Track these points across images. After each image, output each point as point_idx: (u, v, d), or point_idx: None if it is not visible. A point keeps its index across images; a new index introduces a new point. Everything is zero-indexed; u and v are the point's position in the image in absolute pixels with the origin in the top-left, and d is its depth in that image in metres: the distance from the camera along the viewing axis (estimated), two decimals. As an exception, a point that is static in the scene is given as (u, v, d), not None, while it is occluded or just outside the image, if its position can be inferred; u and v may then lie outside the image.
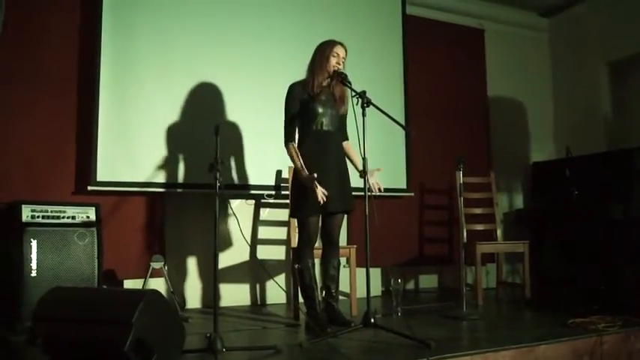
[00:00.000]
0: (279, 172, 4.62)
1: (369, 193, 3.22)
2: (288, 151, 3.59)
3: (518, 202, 6.26)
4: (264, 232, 4.76)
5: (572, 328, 3.34)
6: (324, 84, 3.62)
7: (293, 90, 3.62)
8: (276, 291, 4.63)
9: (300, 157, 3.51)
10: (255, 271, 4.67)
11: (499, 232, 5.08)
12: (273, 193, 4.65)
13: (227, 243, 4.57)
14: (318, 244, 3.70)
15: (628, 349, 3.26)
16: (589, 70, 6.17)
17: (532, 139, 6.39)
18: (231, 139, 4.48)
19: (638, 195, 4.64)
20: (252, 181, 4.57)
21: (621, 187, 4.74)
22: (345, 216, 3.80)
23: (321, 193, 3.35)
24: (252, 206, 4.74)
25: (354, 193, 3.68)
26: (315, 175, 3.35)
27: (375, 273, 5.03)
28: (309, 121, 3.58)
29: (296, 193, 3.60)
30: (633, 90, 6.05)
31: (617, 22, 5.85)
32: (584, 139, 5.87)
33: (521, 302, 4.52)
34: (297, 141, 3.60)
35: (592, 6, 6.12)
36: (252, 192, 4.61)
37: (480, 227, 5.09)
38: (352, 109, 3.31)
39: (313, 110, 3.56)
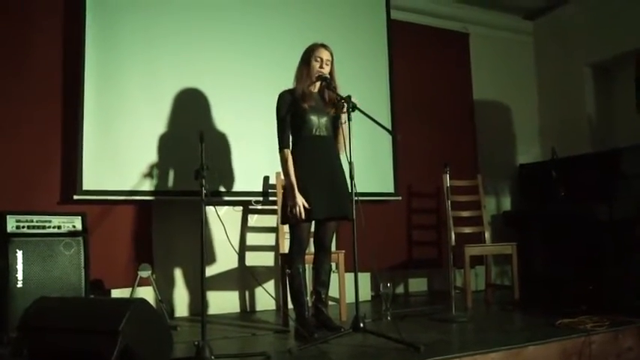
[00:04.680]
0: (266, 179, 4.62)
1: (356, 198, 3.22)
2: (281, 159, 3.57)
3: (506, 204, 6.28)
4: (252, 239, 4.74)
5: (561, 328, 3.36)
6: (313, 89, 3.63)
7: (282, 98, 3.62)
8: (265, 298, 4.61)
9: (292, 168, 3.51)
10: (244, 278, 4.65)
11: (487, 235, 5.09)
12: (260, 199, 4.64)
13: (215, 250, 4.55)
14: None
15: (616, 349, 3.27)
16: (573, 71, 6.22)
17: (518, 141, 6.43)
18: (218, 146, 4.47)
19: (624, 195, 4.67)
20: (239, 187, 4.56)
21: (607, 188, 4.78)
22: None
23: (300, 207, 3.42)
24: (240, 213, 4.73)
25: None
26: (301, 201, 3.43)
27: (365, 278, 5.02)
28: (300, 127, 3.58)
29: (286, 200, 3.59)
30: (617, 91, 6.11)
31: (600, 23, 5.91)
32: (570, 141, 5.92)
33: (510, 304, 4.53)
34: (290, 147, 3.60)
35: (575, 8, 6.17)
36: (240, 198, 4.60)
37: (468, 230, 5.10)
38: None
39: (303, 117, 3.55)
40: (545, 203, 5.38)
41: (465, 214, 5.13)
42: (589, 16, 6.03)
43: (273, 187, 4.47)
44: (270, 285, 4.72)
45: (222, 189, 4.48)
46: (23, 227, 3.49)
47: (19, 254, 3.41)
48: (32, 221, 3.53)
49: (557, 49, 6.41)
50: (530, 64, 6.71)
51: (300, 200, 3.42)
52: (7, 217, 3.45)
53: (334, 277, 3.98)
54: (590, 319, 3.47)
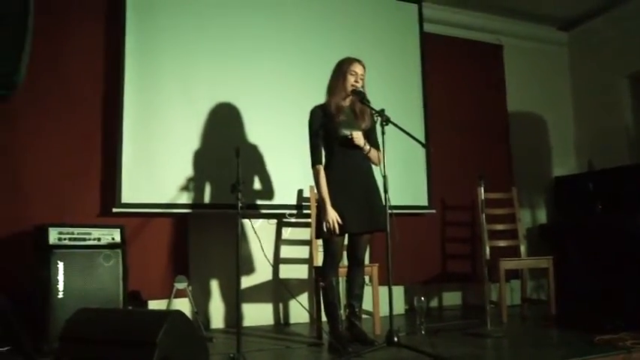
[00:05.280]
0: (300, 192, 4.66)
1: (390, 211, 3.22)
2: (314, 175, 3.59)
3: (542, 217, 6.21)
4: (286, 252, 4.77)
5: (599, 345, 3.29)
6: (344, 103, 3.63)
7: (313, 113, 3.63)
8: (299, 310, 4.63)
9: (324, 183, 3.52)
10: (278, 291, 4.68)
11: (522, 248, 5.03)
12: (294, 212, 4.68)
13: (250, 263, 4.59)
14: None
15: (657, 366, 3.20)
16: (609, 82, 6.13)
17: (553, 154, 6.35)
18: (253, 159, 4.53)
19: (664, 208, 4.58)
20: (274, 200, 4.61)
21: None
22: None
23: (333, 222, 3.42)
24: (275, 226, 4.77)
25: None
26: (334, 216, 3.42)
27: (398, 291, 5.01)
28: (332, 142, 3.58)
29: (320, 214, 3.60)
30: (656, 102, 6.00)
31: (636, 33, 5.81)
32: (607, 153, 5.83)
33: (546, 319, 4.46)
34: (323, 163, 3.61)
35: (611, 18, 6.09)
36: (274, 211, 4.64)
37: (502, 243, 5.04)
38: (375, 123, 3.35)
39: (335, 131, 3.56)
40: (582, 216, 5.29)
41: (500, 227, 5.08)
42: (624, 26, 5.94)
43: (307, 200, 4.51)
44: (303, 298, 4.73)
45: (257, 202, 4.53)
46: (64, 239, 3.57)
47: (61, 266, 3.50)
48: (73, 233, 3.61)
49: (593, 60, 6.33)
50: (565, 75, 6.64)
51: (334, 215, 3.44)
52: (50, 229, 3.55)
53: (368, 291, 3.98)
54: (630, 335, 3.39)
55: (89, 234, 3.67)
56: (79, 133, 4.24)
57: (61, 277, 3.49)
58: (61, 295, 3.47)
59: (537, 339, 3.78)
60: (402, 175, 4.87)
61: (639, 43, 5.79)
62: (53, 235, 3.54)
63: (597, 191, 5.16)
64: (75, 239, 3.60)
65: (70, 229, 3.61)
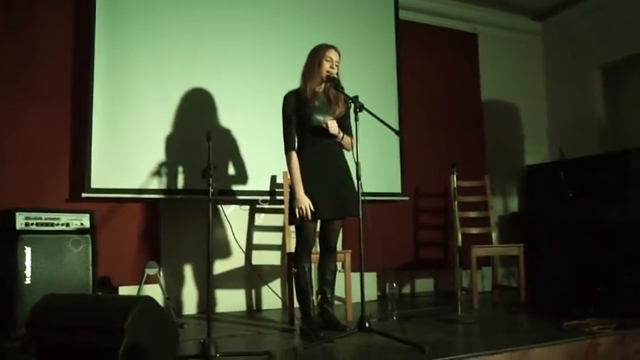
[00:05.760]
0: (273, 178, 4.63)
1: (363, 198, 3.22)
2: (287, 161, 3.57)
3: (513, 205, 6.27)
4: (259, 238, 4.75)
5: (567, 330, 3.34)
6: (319, 89, 3.61)
7: (287, 99, 3.61)
8: (271, 296, 4.60)
9: (296, 169, 3.50)
10: (250, 277, 4.66)
11: (494, 236, 5.09)
12: (267, 198, 4.66)
13: (222, 249, 4.56)
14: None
15: (623, 352, 3.26)
16: (582, 72, 6.19)
17: (526, 142, 6.41)
18: (225, 144, 4.49)
19: (633, 197, 4.64)
20: (246, 186, 4.58)
21: (616, 190, 4.75)
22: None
23: (305, 208, 3.41)
24: (247, 212, 4.74)
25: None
26: (307, 202, 3.42)
27: (371, 277, 5.03)
28: (305, 128, 3.57)
29: (293, 200, 3.59)
30: (627, 92, 6.07)
31: (609, 24, 5.88)
32: (578, 142, 5.90)
33: (516, 305, 4.52)
34: (296, 148, 3.59)
35: (584, 9, 6.15)
36: (247, 197, 4.62)
37: (475, 231, 5.09)
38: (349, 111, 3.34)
39: (308, 117, 3.54)
40: (553, 204, 5.35)
41: (472, 214, 5.13)
42: (598, 17, 6.01)
43: (280, 186, 4.49)
44: (276, 284, 4.72)
45: (229, 188, 4.50)
46: (32, 224, 3.51)
47: (28, 251, 3.44)
48: (41, 218, 3.55)
49: (566, 50, 6.39)
50: (538, 64, 6.70)
51: (306, 201, 3.43)
52: (16, 214, 3.48)
53: (340, 277, 3.99)
54: (597, 321, 3.45)
55: (57, 219, 3.62)
56: (47, 117, 4.17)
57: (28, 263, 3.43)
58: (28, 280, 3.41)
59: (507, 325, 3.82)
60: (376, 162, 4.88)
61: (612, 34, 5.86)
62: (20, 220, 3.48)
63: (568, 180, 5.22)
64: (43, 224, 3.55)
65: (38, 214, 3.56)
